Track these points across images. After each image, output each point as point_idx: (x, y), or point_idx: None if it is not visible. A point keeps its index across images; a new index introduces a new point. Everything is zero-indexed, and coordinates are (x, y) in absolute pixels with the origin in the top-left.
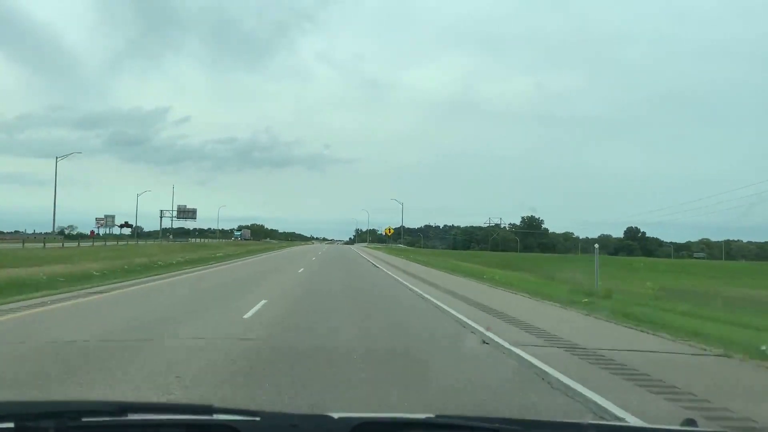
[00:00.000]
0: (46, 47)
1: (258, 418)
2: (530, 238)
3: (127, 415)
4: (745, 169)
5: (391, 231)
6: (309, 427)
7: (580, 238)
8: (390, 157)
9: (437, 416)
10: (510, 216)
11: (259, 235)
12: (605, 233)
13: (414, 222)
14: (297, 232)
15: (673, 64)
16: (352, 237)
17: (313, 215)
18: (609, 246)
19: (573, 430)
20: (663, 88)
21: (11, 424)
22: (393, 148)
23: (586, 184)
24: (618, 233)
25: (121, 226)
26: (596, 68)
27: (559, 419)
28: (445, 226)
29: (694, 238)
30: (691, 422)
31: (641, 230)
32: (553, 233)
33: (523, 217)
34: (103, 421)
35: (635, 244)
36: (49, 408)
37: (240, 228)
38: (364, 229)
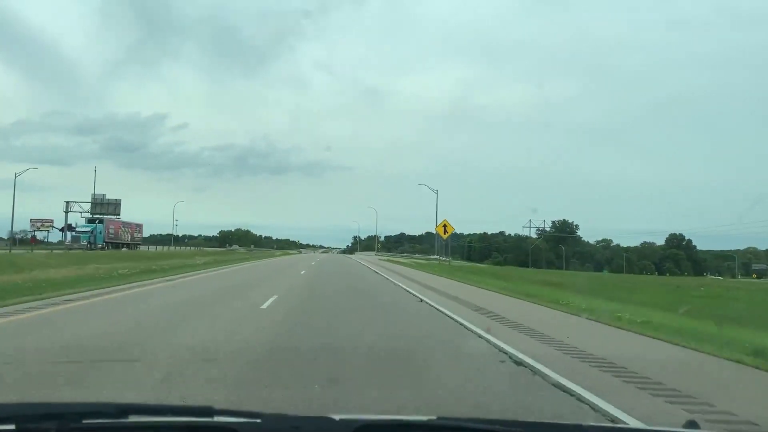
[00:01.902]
0: (43, 53)
1: (259, 420)
2: (561, 247)
3: (128, 417)
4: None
5: (450, 229)
6: (310, 429)
7: (622, 246)
8: (389, 164)
9: (439, 418)
10: (512, 223)
11: (245, 242)
12: (647, 240)
13: (414, 229)
14: (293, 239)
15: (672, 71)
16: (350, 245)
17: (309, 222)
18: (653, 256)
19: None
20: (664, 95)
21: (12, 426)
22: (392, 156)
23: (589, 189)
24: (644, 240)
25: (62, 230)
26: (596, 76)
27: (560, 421)
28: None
29: (738, 246)
30: (693, 424)
31: (686, 238)
32: (586, 241)
33: (554, 222)
34: (104, 422)
35: (681, 254)
36: (50, 410)
37: (95, 219)
38: (363, 237)
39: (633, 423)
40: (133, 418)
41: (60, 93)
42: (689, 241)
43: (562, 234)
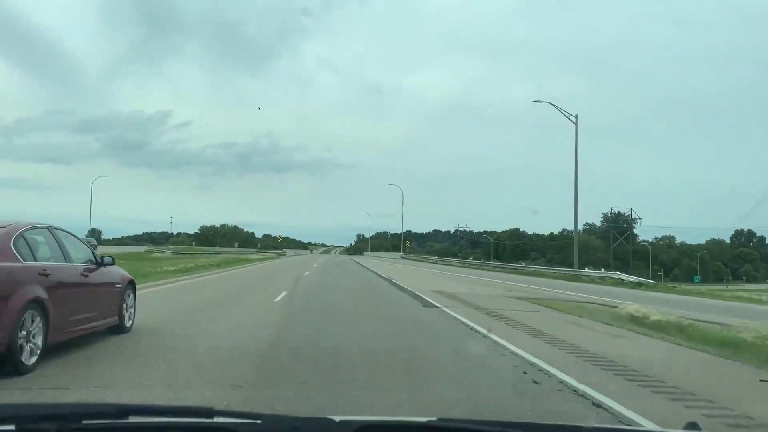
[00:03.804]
0: (46, 50)
1: (259, 421)
2: (616, 244)
3: (128, 418)
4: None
5: None
6: (310, 430)
7: (687, 243)
8: (393, 162)
9: (439, 419)
10: (517, 220)
11: (231, 239)
12: (714, 237)
13: (420, 227)
14: (294, 237)
15: (675, 69)
16: (353, 243)
17: (312, 221)
18: (722, 255)
19: None
20: (667, 93)
21: (12, 427)
22: (396, 153)
23: (590, 187)
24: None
25: None
26: (599, 74)
27: (560, 422)
28: (456, 231)
29: None
30: (693, 425)
31: (756, 234)
32: (642, 240)
33: (605, 214)
34: (105, 423)
35: (754, 253)
36: (51, 410)
37: None
38: (368, 235)
39: (640, 424)
40: (134, 419)
41: (62, 91)
42: (762, 237)
43: (617, 231)
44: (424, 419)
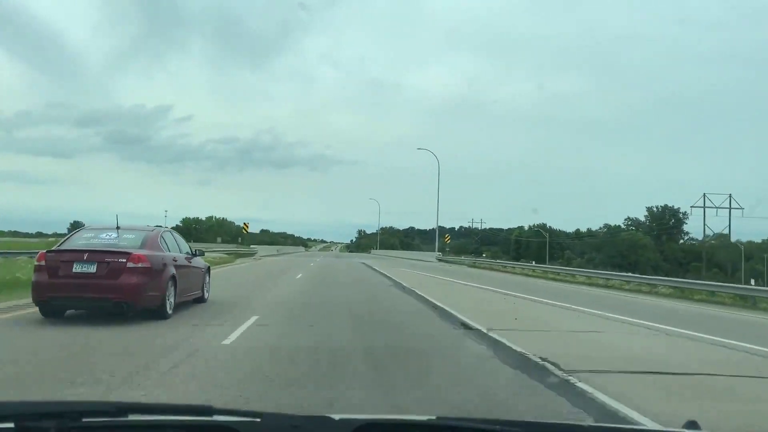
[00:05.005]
0: (48, 44)
1: (258, 419)
2: (665, 244)
3: (127, 416)
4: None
5: None
6: (310, 428)
7: (744, 242)
8: (394, 159)
9: (438, 418)
10: (519, 218)
11: (218, 234)
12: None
13: (423, 223)
14: (292, 233)
15: (677, 68)
16: (354, 239)
17: (313, 217)
18: None
19: None
20: (668, 91)
21: (11, 425)
22: (397, 150)
23: (590, 185)
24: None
25: None
26: (601, 72)
27: (560, 421)
28: (461, 228)
29: None
30: (693, 425)
31: None
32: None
33: (650, 209)
34: (104, 421)
35: None
36: (50, 408)
37: None
38: (369, 231)
39: (641, 423)
40: (133, 417)
41: (63, 84)
42: None
43: (662, 229)
44: (424, 417)
